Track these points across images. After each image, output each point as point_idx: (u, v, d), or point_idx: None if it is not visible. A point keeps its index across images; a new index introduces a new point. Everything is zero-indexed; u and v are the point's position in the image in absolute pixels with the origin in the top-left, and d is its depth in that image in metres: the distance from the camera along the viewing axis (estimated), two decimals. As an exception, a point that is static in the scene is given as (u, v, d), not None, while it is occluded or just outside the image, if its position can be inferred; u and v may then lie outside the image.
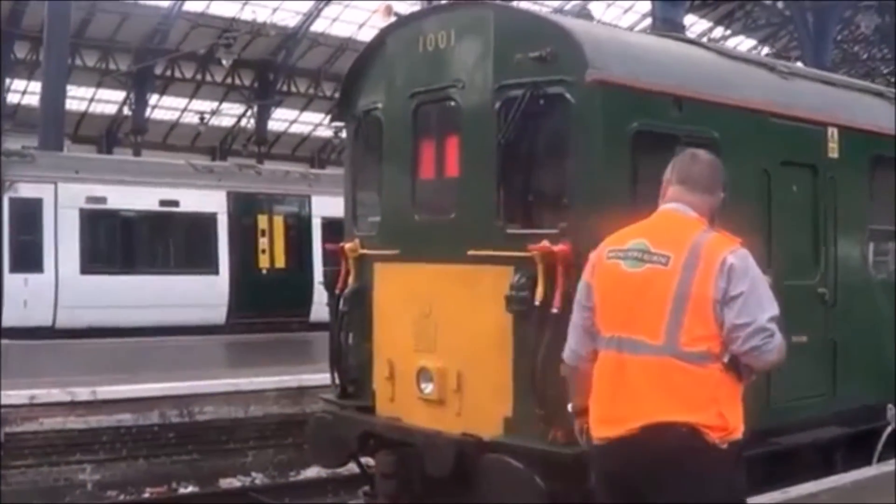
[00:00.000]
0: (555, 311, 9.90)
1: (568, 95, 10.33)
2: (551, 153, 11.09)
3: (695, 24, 60.18)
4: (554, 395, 9.98)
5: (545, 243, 10.04)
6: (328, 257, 31.25)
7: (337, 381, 12.74)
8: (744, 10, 62.62)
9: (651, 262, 6.11)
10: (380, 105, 12.45)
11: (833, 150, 12.81)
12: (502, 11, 11.29)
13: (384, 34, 12.72)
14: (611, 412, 6.06)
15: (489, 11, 11.24)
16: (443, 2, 14.50)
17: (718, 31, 62.92)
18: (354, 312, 12.45)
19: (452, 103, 11.47)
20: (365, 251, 12.46)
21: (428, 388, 11.25)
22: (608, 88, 10.15)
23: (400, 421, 11.66)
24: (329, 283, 12.95)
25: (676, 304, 5.93)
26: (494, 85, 10.88)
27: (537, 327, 10.01)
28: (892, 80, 55.89)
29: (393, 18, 12.67)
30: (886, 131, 13.74)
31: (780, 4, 58.86)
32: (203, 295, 30.56)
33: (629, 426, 5.91)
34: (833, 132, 12.81)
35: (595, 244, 9.82)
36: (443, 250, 11.25)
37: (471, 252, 10.84)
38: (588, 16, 12.77)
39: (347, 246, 12.59)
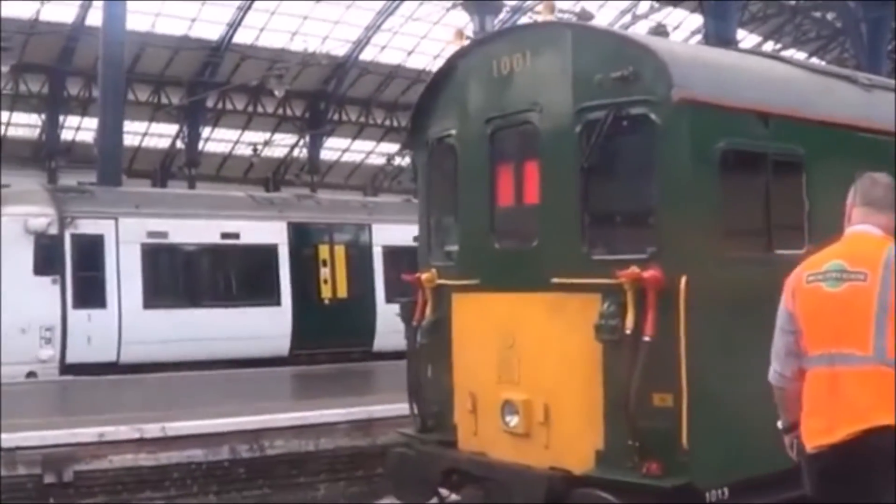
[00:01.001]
0: (647, 339, 9.66)
1: (652, 116, 10.05)
2: (636, 176, 10.80)
3: (745, 38, 59.73)
4: (648, 426, 9.72)
5: (634, 269, 9.77)
6: (390, 286, 31.33)
7: (416, 414, 12.50)
8: (794, 23, 62.14)
9: (850, 280, 6.64)
10: (453, 132, 12.20)
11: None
12: (580, 31, 11.09)
13: (455, 59, 12.51)
14: (828, 422, 6.53)
15: (566, 31, 11.02)
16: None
17: (769, 46, 62.36)
18: (433, 344, 12.19)
19: (531, 127, 11.21)
20: (442, 281, 12.20)
21: (513, 420, 10.97)
22: (694, 107, 9.88)
23: (484, 455, 11.38)
24: (406, 315, 12.70)
25: (879, 316, 6.44)
26: (575, 107, 10.62)
27: (629, 356, 9.74)
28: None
29: (465, 42, 12.41)
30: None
31: (829, 16, 58.41)
32: (266, 327, 30.32)
33: (846, 432, 6.40)
34: None
35: (685, 267, 9.67)
36: (525, 279, 10.99)
37: (555, 280, 10.57)
38: (664, 32, 12.46)
39: (424, 276, 12.34)
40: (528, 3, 50.70)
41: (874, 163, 11.66)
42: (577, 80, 10.63)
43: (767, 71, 11.85)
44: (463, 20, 38.56)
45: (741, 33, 52.10)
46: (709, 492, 9.79)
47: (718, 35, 35.45)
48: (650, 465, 9.74)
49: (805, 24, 62.17)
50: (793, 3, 56.81)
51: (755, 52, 14.32)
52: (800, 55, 60.90)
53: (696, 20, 52.84)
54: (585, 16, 10.94)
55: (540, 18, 10.82)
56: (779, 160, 10.59)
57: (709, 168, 10.02)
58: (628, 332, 9.77)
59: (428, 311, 12.31)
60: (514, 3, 48.17)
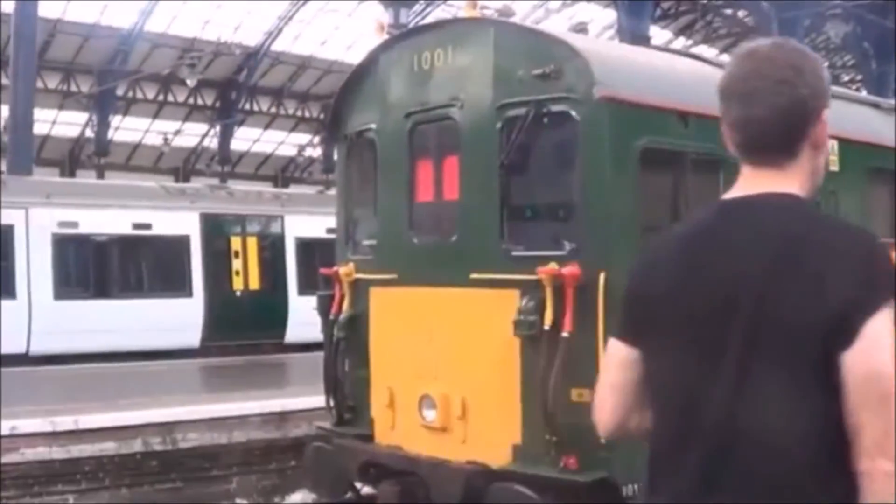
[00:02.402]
0: (565, 334, 9.71)
1: (574, 113, 10.12)
2: (556, 172, 10.87)
3: (656, 35, 60.16)
4: (566, 421, 9.77)
5: (553, 265, 9.81)
6: (303, 278, 31.22)
7: (333, 407, 12.47)
8: (705, 20, 62.75)
9: None
10: (373, 126, 12.17)
11: (833, 163, 12.62)
12: (502, 27, 11.08)
13: (376, 52, 12.45)
14: None
15: (489, 27, 11.02)
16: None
17: (680, 43, 62.88)
18: (350, 338, 12.15)
19: (451, 123, 11.22)
20: (360, 275, 12.17)
21: (430, 415, 10.99)
22: (616, 105, 9.95)
23: (401, 449, 11.39)
24: (323, 309, 12.65)
25: None
26: (496, 103, 10.64)
27: (547, 352, 9.78)
28: (854, 87, 56.15)
29: (386, 36, 12.39)
30: (883, 143, 13.60)
31: (740, 14, 59.05)
32: (177, 318, 30.06)
33: None
34: (833, 145, 12.62)
35: (604, 264, 9.75)
36: (443, 274, 11.00)
37: (474, 275, 10.59)
38: (584, 30, 12.56)
39: (342, 270, 12.29)
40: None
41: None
42: (499, 77, 10.65)
43: (688, 70, 11.95)
44: (377, 12, 38.56)
45: (652, 30, 52.53)
46: (625, 486, 9.86)
47: (632, 31, 35.73)
48: (567, 459, 9.80)
49: (716, 22, 62.77)
50: (705, 0, 57.30)
51: (676, 51, 14.46)
52: (711, 52, 61.58)
53: (609, 15, 53.04)
54: (507, 12, 10.97)
55: (462, 14, 10.82)
56: (698, 159, 10.68)
57: (629, 166, 10.10)
58: (547, 327, 9.81)
59: (345, 305, 12.26)
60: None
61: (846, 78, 66.33)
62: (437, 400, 10.91)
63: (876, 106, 14.95)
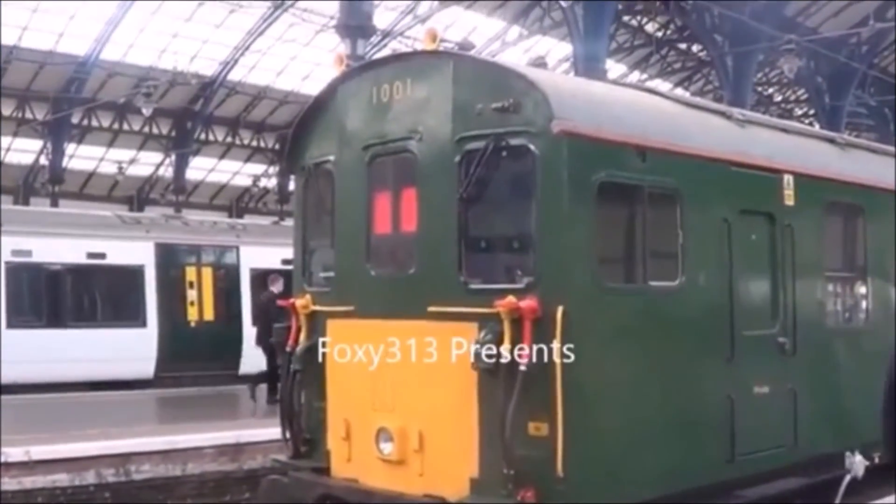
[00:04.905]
0: (522, 368, 9.69)
1: (532, 147, 10.13)
2: (514, 206, 10.86)
3: (611, 69, 60.44)
4: (523, 454, 9.76)
5: (510, 298, 9.81)
6: (256, 308, 31.08)
7: (289, 439, 12.41)
8: (660, 54, 63.06)
9: None
10: (331, 157, 12.16)
11: (789, 198, 12.73)
12: (462, 61, 11.06)
13: (335, 84, 12.42)
14: None
15: (448, 61, 11.01)
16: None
17: (635, 76, 63.16)
18: (307, 370, 12.12)
19: (409, 156, 11.21)
20: (317, 307, 12.14)
21: (387, 448, 10.96)
22: (574, 139, 9.98)
23: (358, 482, 11.34)
24: (280, 341, 12.61)
25: None
26: (454, 136, 10.64)
27: (505, 385, 9.76)
28: (807, 121, 56.71)
29: (344, 67, 12.36)
30: (838, 177, 13.72)
31: (695, 48, 59.42)
32: (131, 348, 29.89)
33: None
34: (789, 179, 12.73)
35: (562, 297, 9.77)
36: (401, 306, 10.99)
37: (432, 308, 10.58)
38: (542, 64, 12.57)
39: (299, 302, 12.26)
40: (400, 25, 50.98)
41: (747, 197, 11.97)
42: (458, 110, 10.66)
43: (646, 105, 11.99)
44: (333, 43, 38.54)
45: (608, 63, 52.78)
46: (582, 520, 9.88)
47: (588, 64, 35.84)
48: (525, 492, 9.78)
49: (671, 56, 63.10)
50: (659, 34, 57.61)
51: (633, 85, 14.54)
52: (666, 86, 61.94)
53: (565, 48, 53.21)
54: (467, 45, 10.95)
55: (421, 46, 10.77)
56: (655, 193, 10.73)
57: (586, 200, 10.11)
58: (504, 361, 9.79)
59: (302, 336, 12.25)
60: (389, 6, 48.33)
61: (799, 112, 66.85)
62: (394, 433, 10.89)
63: (830, 141, 15.07)
